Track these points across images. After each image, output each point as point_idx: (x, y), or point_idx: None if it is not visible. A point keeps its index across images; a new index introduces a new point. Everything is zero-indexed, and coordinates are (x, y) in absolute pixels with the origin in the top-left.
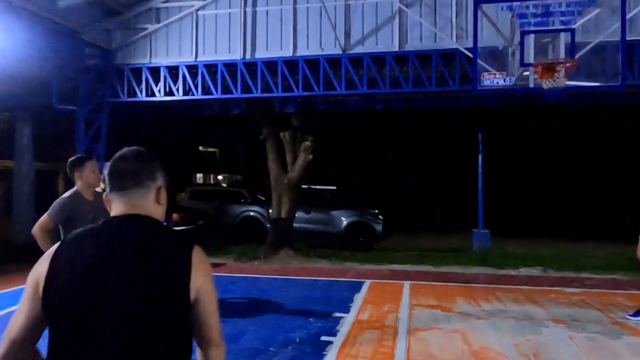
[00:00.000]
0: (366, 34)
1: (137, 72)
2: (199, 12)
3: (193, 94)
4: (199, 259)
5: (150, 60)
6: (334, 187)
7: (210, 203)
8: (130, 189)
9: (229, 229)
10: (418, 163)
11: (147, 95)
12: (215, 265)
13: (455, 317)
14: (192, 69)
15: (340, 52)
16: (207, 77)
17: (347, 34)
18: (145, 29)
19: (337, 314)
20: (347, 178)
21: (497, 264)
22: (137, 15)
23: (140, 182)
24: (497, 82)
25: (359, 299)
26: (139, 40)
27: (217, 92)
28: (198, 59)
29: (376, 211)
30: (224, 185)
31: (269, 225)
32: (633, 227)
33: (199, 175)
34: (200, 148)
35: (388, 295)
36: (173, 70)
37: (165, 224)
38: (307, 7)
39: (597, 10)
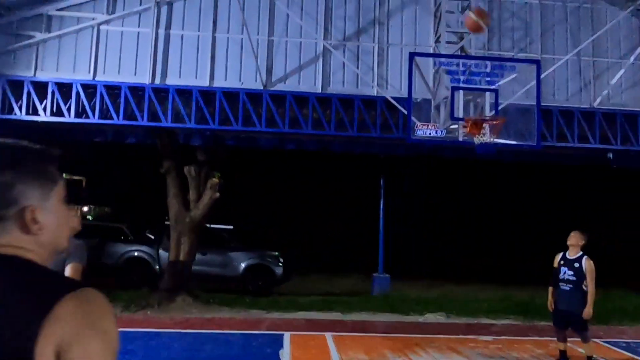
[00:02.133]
0: (289, 72)
1: (16, 85)
2: (102, 27)
3: (88, 117)
4: (68, 309)
5: (34, 73)
6: (232, 227)
7: (84, 240)
8: None
9: (110, 272)
10: (320, 204)
11: (27, 114)
12: None
13: None
14: (89, 88)
15: (261, 88)
16: (106, 99)
17: (269, 70)
18: (32, 36)
19: None
20: (245, 217)
21: (402, 309)
22: (22, 20)
23: None
24: (430, 134)
25: (285, 356)
26: (21, 49)
27: (118, 117)
28: (97, 78)
29: (276, 253)
30: (89, 218)
31: (158, 267)
32: (513, 272)
33: None
34: (64, 175)
35: (315, 350)
36: (64, 88)
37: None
38: (228, 37)
39: (514, 75)
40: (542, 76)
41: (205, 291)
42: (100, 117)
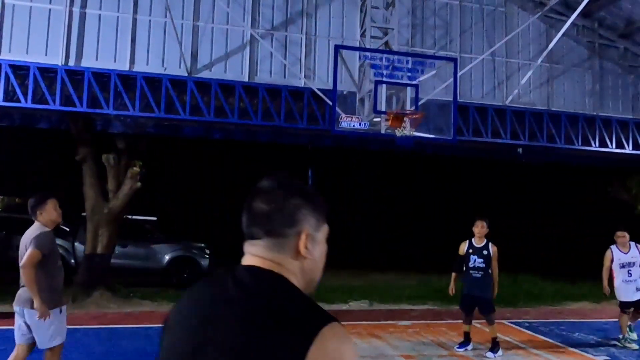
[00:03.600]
0: (214, 60)
1: None
2: (7, 1)
3: None
4: (323, 348)
5: None
6: (155, 218)
7: None
8: (258, 238)
9: (15, 266)
10: (247, 195)
11: None
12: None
13: None
14: None
15: (186, 74)
16: (12, 80)
17: (194, 57)
18: None
19: None
20: (170, 208)
21: (327, 298)
22: None
23: (271, 229)
24: (354, 125)
25: None
26: None
27: (25, 100)
28: (1, 57)
29: (202, 245)
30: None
31: (73, 261)
32: (433, 260)
33: None
34: None
35: None
36: None
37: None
38: (150, 20)
39: (433, 72)
40: (459, 74)
41: (126, 285)
42: (5, 99)
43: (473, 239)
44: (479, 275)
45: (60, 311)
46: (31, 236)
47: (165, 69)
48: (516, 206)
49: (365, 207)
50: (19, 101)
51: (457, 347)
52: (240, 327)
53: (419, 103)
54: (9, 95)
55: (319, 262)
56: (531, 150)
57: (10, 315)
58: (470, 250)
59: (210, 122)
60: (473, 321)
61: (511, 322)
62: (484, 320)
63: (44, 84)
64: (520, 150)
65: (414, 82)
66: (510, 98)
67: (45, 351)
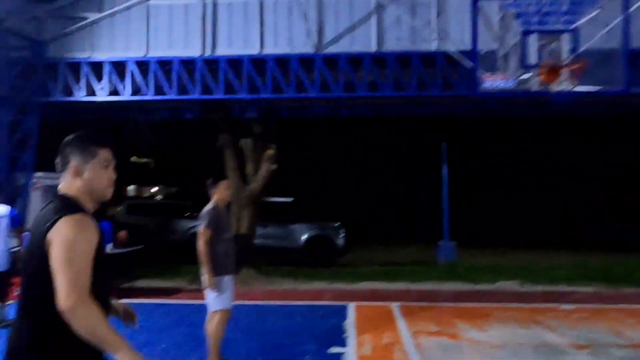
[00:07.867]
0: (341, 32)
1: (74, 67)
2: (150, 2)
3: (144, 94)
4: (60, 224)
5: (90, 54)
6: (292, 199)
7: (151, 218)
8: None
9: (176, 247)
10: (380, 171)
11: (87, 95)
12: (167, 292)
13: (468, 346)
14: (142, 65)
15: (313, 52)
16: (160, 75)
17: (320, 32)
18: (85, 18)
19: (335, 349)
20: (304, 188)
21: (470, 278)
22: (74, 2)
23: (62, 166)
24: (499, 85)
25: (350, 327)
26: (76, 31)
27: (171, 92)
28: (149, 54)
29: (337, 224)
30: (159, 197)
31: None
32: (591, 237)
33: (131, 188)
34: (133, 159)
35: (380, 321)
36: (119, 67)
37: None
38: (275, 1)
39: (597, 11)
40: (630, 10)
41: (267, 264)
42: (154, 93)
43: None
44: None
45: (222, 280)
46: (200, 215)
47: (293, 48)
48: None
49: (512, 181)
50: (165, 94)
51: None
52: (40, 217)
53: (576, 54)
54: (158, 89)
55: (91, 182)
56: None
57: (176, 291)
58: None
59: (339, 98)
60: None
61: None
62: None
63: (186, 76)
64: None
65: (571, 27)
66: None
67: (211, 313)
